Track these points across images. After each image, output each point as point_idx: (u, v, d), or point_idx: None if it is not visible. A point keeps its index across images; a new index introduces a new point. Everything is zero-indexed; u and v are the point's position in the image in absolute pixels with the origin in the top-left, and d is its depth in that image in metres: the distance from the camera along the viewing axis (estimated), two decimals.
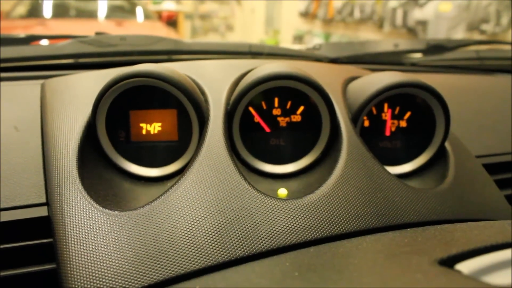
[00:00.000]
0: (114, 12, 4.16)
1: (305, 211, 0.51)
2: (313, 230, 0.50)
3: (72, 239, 0.47)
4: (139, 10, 4.35)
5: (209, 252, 0.46)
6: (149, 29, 3.83)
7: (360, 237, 0.49)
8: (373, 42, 1.66)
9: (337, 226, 0.51)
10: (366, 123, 0.68)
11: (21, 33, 1.06)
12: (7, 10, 3.87)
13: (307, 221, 0.51)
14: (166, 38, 1.04)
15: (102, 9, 3.95)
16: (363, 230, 0.52)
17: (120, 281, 0.44)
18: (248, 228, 0.49)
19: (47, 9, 3.74)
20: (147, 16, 4.37)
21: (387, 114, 0.67)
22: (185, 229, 0.48)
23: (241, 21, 9.98)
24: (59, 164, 0.54)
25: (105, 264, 0.45)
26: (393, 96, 0.65)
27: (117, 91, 0.58)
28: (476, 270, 0.33)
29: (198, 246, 0.47)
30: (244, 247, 0.47)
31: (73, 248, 0.47)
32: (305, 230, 0.50)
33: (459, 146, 0.69)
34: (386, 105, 0.67)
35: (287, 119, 0.64)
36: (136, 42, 0.99)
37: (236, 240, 0.48)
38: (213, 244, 0.47)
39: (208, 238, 0.47)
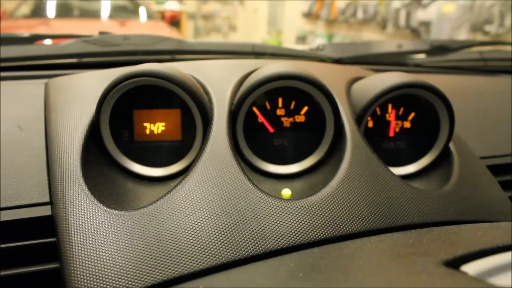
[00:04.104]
0: (117, 12, 4.17)
1: (309, 212, 0.51)
2: (317, 231, 0.50)
3: (76, 239, 0.47)
4: (142, 10, 4.36)
5: (213, 252, 0.46)
6: (152, 29, 3.84)
7: (364, 238, 0.49)
8: (376, 42, 1.66)
9: (341, 226, 0.51)
10: (370, 124, 0.67)
11: (25, 33, 1.06)
12: (11, 10, 3.89)
13: (311, 222, 0.50)
14: (169, 38, 1.04)
15: (105, 9, 3.96)
16: (367, 231, 0.51)
17: (123, 280, 0.44)
18: (252, 228, 0.49)
19: (51, 9, 3.75)
20: (150, 16, 4.38)
21: (391, 115, 0.67)
22: (189, 229, 0.48)
23: (244, 22, 9.98)
24: (63, 163, 0.54)
25: (108, 264, 0.45)
26: (397, 96, 0.65)
27: (121, 91, 0.58)
28: (482, 272, 0.33)
29: (202, 246, 0.47)
30: (248, 248, 0.47)
31: (76, 247, 0.47)
32: (309, 231, 0.50)
33: (464, 147, 0.69)
34: (390, 106, 0.67)
35: (291, 119, 0.64)
36: (139, 41, 0.99)
37: (240, 240, 0.48)
38: (217, 244, 0.47)
39: (212, 238, 0.47)
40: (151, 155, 0.62)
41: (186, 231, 0.48)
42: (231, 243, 0.47)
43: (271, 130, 0.64)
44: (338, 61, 1.12)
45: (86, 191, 0.51)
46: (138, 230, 0.48)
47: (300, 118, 0.64)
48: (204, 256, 0.46)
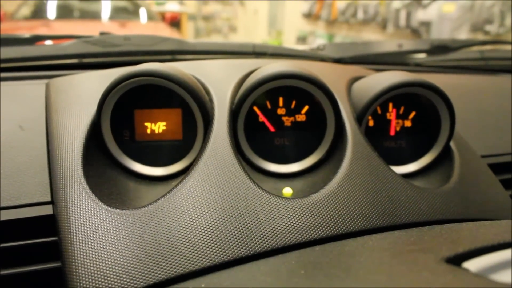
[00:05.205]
0: (118, 13, 4.18)
1: (310, 210, 0.51)
2: (318, 229, 0.50)
3: (77, 237, 0.47)
4: (142, 11, 4.36)
5: (214, 250, 0.46)
6: (152, 30, 3.84)
7: (365, 236, 0.49)
8: (377, 42, 1.66)
9: (342, 225, 0.51)
10: (371, 123, 0.68)
11: (26, 34, 1.06)
12: (12, 11, 3.89)
13: (312, 220, 0.51)
14: (170, 38, 1.04)
15: (105, 10, 3.97)
16: (368, 229, 0.51)
17: (125, 279, 0.44)
18: (253, 226, 0.49)
19: (51, 11, 3.76)
20: (150, 17, 4.38)
21: (391, 114, 0.67)
22: (190, 227, 0.48)
23: (244, 22, 9.99)
24: (64, 163, 0.54)
25: (110, 263, 0.45)
26: (398, 95, 0.65)
27: (121, 90, 0.58)
28: (484, 268, 0.33)
29: (204, 245, 0.47)
30: (250, 246, 0.47)
31: (78, 246, 0.47)
32: (310, 229, 0.50)
33: (464, 146, 0.69)
34: (390, 105, 0.67)
35: (291, 118, 0.64)
36: (140, 42, 1.00)
37: (241, 238, 0.48)
38: (219, 243, 0.47)
39: (214, 236, 0.47)
40: (152, 155, 0.62)
41: (188, 230, 0.48)
42: (233, 242, 0.47)
43: (272, 129, 0.64)
44: (339, 60, 1.12)
45: (87, 190, 0.51)
46: (140, 229, 0.48)
47: (301, 117, 0.64)
48: (206, 254, 0.46)
